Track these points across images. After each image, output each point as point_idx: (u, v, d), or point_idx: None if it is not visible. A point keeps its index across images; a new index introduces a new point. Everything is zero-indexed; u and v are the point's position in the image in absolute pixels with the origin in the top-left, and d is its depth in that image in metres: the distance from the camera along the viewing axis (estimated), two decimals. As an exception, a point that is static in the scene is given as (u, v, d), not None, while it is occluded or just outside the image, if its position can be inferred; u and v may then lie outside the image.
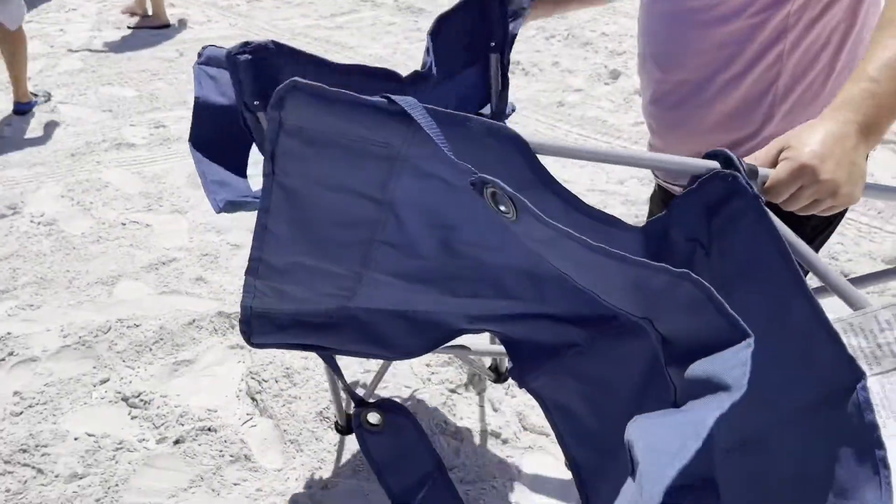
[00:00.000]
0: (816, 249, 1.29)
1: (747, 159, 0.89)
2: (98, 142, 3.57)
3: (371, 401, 1.40)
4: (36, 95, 3.96)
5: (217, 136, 1.48)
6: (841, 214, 1.25)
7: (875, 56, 0.89)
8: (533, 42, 4.97)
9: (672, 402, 0.84)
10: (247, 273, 1.03)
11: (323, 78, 1.01)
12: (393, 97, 0.85)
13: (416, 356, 1.22)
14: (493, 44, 1.43)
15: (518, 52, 4.74)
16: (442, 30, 1.35)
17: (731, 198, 0.81)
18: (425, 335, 1.15)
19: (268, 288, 1.06)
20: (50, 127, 3.73)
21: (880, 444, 0.56)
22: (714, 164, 0.85)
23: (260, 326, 1.12)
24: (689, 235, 0.86)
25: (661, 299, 0.73)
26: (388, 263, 1.02)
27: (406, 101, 0.83)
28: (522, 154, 0.88)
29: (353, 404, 1.38)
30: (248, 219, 2.94)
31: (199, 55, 1.49)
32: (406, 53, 4.67)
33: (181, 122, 3.80)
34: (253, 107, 1.25)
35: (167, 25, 5.13)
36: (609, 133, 3.71)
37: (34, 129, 3.71)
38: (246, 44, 1.22)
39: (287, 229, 0.98)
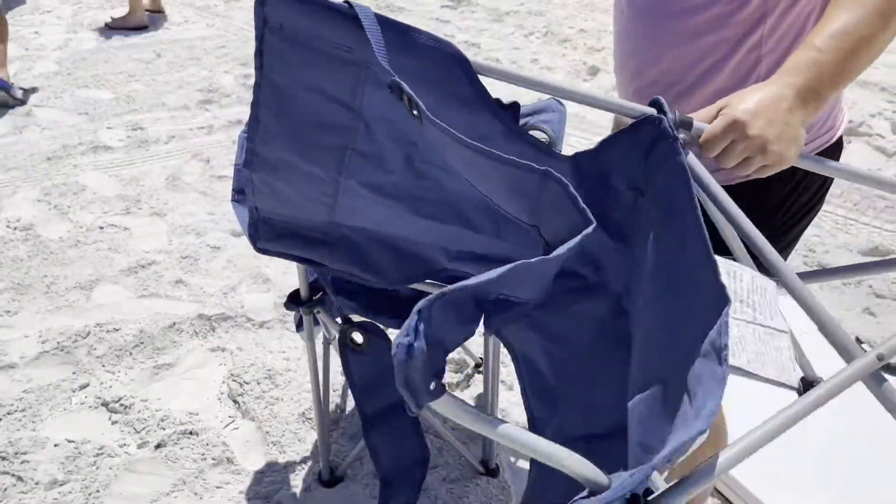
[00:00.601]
0: (792, 242, 1.31)
1: (693, 115, 0.94)
2: (74, 145, 3.53)
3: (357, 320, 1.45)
4: (11, 85, 3.92)
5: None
6: (815, 206, 1.26)
7: (823, 27, 0.93)
8: (511, 39, 4.98)
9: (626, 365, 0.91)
10: (243, 165, 1.11)
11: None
12: (353, 2, 0.91)
13: (403, 285, 1.28)
14: None
15: (496, 50, 4.75)
16: None
17: (657, 141, 0.86)
18: (409, 266, 1.20)
19: (263, 184, 1.13)
20: (25, 130, 3.69)
21: (725, 362, 0.65)
22: (651, 111, 0.90)
23: (265, 232, 1.19)
24: (631, 184, 0.90)
25: (538, 201, 0.78)
26: (361, 173, 1.08)
27: (360, 8, 0.88)
28: (464, 71, 0.94)
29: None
30: (228, 222, 2.93)
31: (246, 124, 1.62)
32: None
33: (158, 123, 3.77)
34: None
35: (145, 27, 5.08)
36: (589, 129, 3.73)
37: (9, 132, 3.66)
38: None
39: (275, 124, 1.05)
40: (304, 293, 1.57)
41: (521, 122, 1.64)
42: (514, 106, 1.50)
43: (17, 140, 3.60)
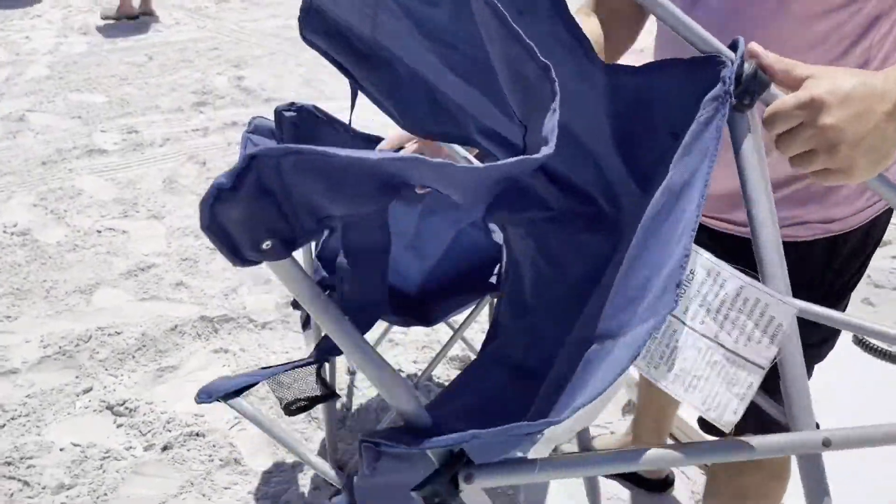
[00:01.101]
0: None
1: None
2: (69, 149, 3.52)
3: None
4: None
5: None
6: (854, 284, 1.16)
7: None
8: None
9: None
10: None
11: (349, 141, 1.32)
12: None
13: (438, 140, 1.20)
14: None
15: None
16: None
17: (712, 90, 0.72)
18: (445, 123, 1.10)
19: None
20: (19, 135, 3.67)
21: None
22: (727, 52, 0.72)
23: (314, 21, 1.09)
24: (672, 128, 0.76)
25: (532, 97, 0.69)
26: None
27: None
28: None
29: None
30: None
31: (249, 124, 1.67)
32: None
33: (152, 126, 3.76)
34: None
35: (135, 17, 5.12)
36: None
37: (2, 137, 3.64)
38: (292, 104, 1.46)
39: None
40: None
41: None
42: None
43: (10, 145, 3.58)
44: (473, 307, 1.70)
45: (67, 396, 2.12)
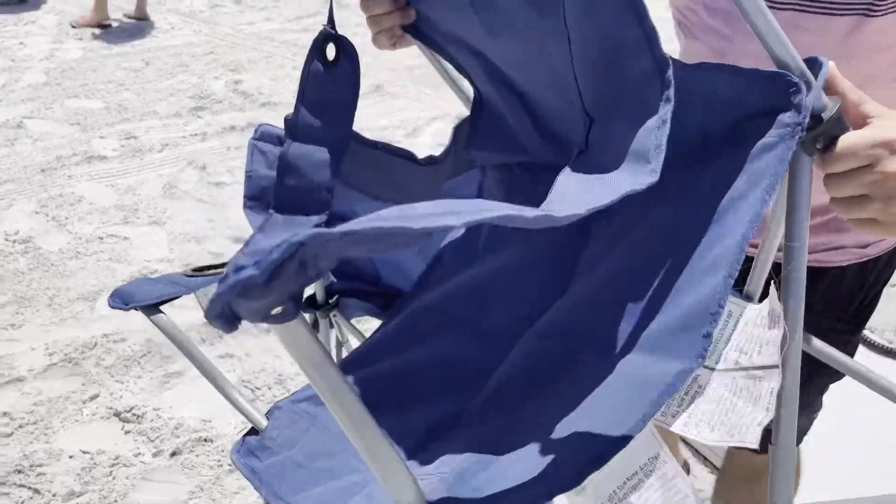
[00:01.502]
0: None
1: None
2: (68, 156, 3.52)
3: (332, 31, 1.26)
4: None
5: (265, 202, 1.65)
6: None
7: None
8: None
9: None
10: None
11: (356, 147, 1.28)
12: None
13: None
14: None
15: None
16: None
17: (773, 113, 0.63)
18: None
19: None
20: (17, 143, 3.67)
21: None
22: (802, 68, 0.63)
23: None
24: (704, 130, 0.69)
25: (622, 89, 0.64)
26: None
27: None
28: None
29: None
30: (228, 228, 2.94)
31: (255, 131, 1.67)
32: (375, 54, 4.66)
33: (151, 131, 3.77)
34: None
35: (108, 25, 5.14)
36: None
37: (2, 144, 3.65)
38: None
39: None
40: (320, 297, 1.59)
41: None
42: None
43: (9, 152, 3.59)
44: None
45: (74, 404, 2.13)
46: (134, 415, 2.08)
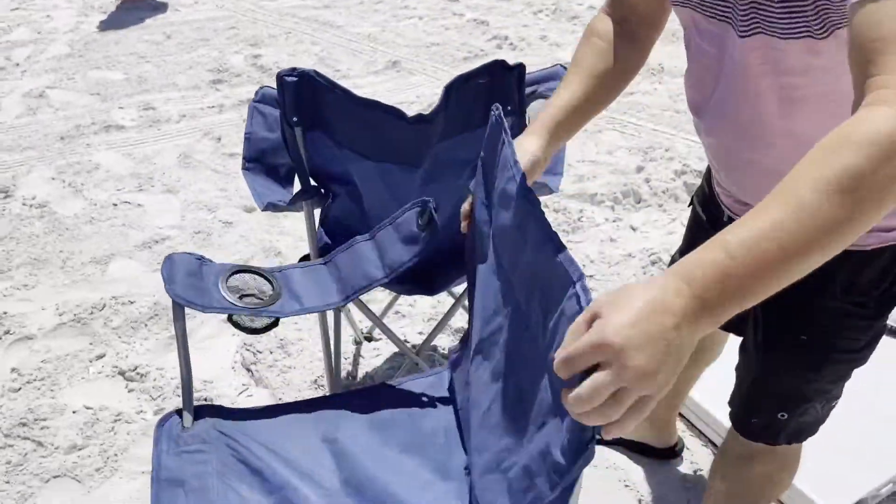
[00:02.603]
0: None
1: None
2: (87, 125, 3.57)
3: None
4: None
5: (263, 163, 1.69)
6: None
7: (744, 225, 0.67)
8: (520, 17, 4.97)
9: None
10: None
11: (348, 106, 1.40)
12: None
13: None
14: (509, 108, 1.49)
15: (505, 28, 4.74)
16: (459, 87, 1.47)
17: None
18: None
19: None
20: (39, 111, 3.73)
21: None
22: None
23: None
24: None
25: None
26: None
27: None
28: None
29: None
30: (240, 198, 2.96)
31: (256, 94, 1.71)
32: (395, 31, 4.66)
33: (169, 103, 3.81)
34: (292, 122, 1.52)
35: None
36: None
37: (23, 113, 3.71)
38: (294, 69, 1.47)
39: None
40: (314, 257, 1.60)
41: (529, 90, 1.66)
42: (520, 67, 1.51)
43: (30, 121, 3.65)
44: None
45: (81, 362, 2.17)
46: (138, 374, 2.11)
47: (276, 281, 1.45)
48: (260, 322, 1.43)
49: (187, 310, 2.54)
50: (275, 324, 1.45)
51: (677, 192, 2.91)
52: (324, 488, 1.26)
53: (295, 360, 2.16)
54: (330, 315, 1.78)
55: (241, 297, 1.39)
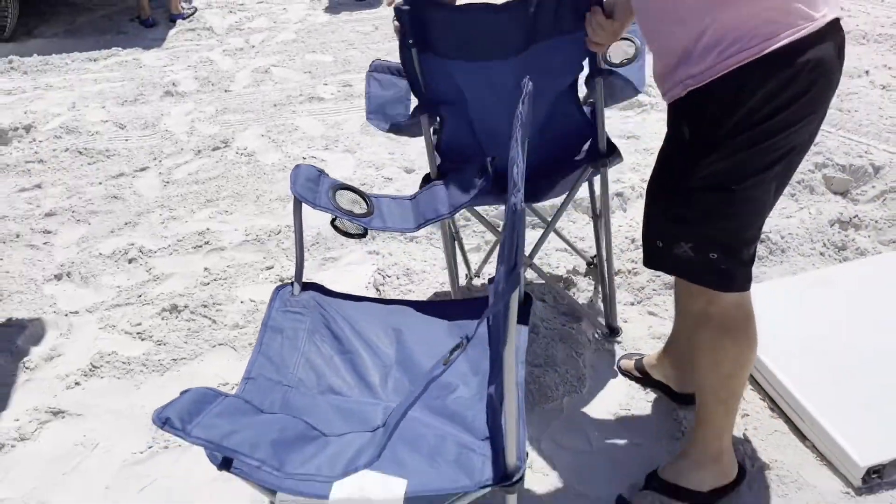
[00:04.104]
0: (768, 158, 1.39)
1: None
2: (296, 96, 4.24)
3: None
4: (184, 9, 5.64)
5: (381, 113, 2.13)
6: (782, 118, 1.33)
7: None
8: None
9: None
10: None
11: (447, 18, 1.75)
12: None
13: None
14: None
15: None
16: None
17: None
18: None
19: None
20: (262, 84, 4.48)
21: None
22: None
23: None
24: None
25: None
26: None
27: None
28: None
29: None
30: (404, 161, 3.41)
31: (370, 66, 2.17)
32: None
33: (364, 83, 4.38)
34: (408, 44, 1.84)
35: None
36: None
37: (250, 84, 4.47)
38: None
39: None
40: (433, 176, 1.98)
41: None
42: None
43: (255, 91, 4.39)
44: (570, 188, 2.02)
45: (255, 270, 2.72)
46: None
47: (371, 202, 1.83)
48: (353, 229, 1.80)
49: (341, 241, 3.04)
50: (364, 234, 1.82)
51: (814, 184, 2.92)
52: (380, 359, 1.61)
53: (416, 286, 2.55)
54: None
55: (342, 208, 1.79)
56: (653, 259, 1.54)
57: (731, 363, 1.54)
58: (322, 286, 1.81)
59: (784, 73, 1.28)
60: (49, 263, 2.86)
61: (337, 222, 1.81)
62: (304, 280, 1.81)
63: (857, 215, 2.62)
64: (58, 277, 2.76)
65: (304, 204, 1.71)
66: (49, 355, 2.35)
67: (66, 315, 2.55)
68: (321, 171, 1.80)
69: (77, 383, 2.23)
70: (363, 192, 1.85)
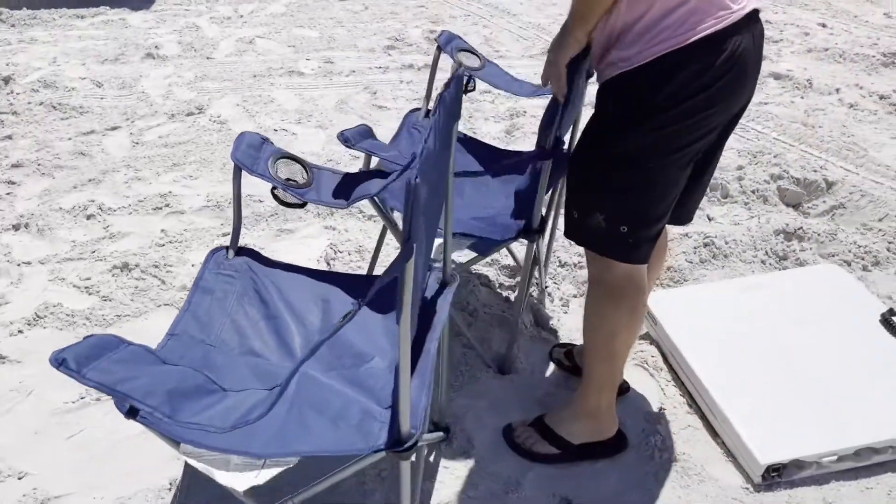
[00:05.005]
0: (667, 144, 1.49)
1: None
2: (277, 68, 4.26)
3: None
4: None
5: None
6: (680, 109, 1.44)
7: None
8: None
9: None
10: None
11: None
12: None
13: None
14: None
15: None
16: None
17: None
18: None
19: None
20: (245, 54, 4.49)
21: None
22: None
23: None
24: None
25: None
26: None
27: None
28: None
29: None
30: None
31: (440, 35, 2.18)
32: (562, 23, 4.96)
33: (346, 60, 4.41)
34: None
35: None
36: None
37: (232, 53, 4.49)
38: None
39: None
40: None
41: None
42: None
43: (237, 60, 4.41)
44: None
45: (211, 235, 2.76)
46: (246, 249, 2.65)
47: (312, 174, 1.86)
48: (291, 199, 1.83)
49: (300, 215, 3.05)
50: (303, 205, 1.84)
51: (768, 195, 2.97)
52: (305, 327, 1.66)
53: (366, 264, 2.59)
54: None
55: (283, 178, 1.82)
56: (569, 229, 1.66)
57: (612, 325, 1.67)
58: (257, 252, 1.85)
59: (705, 60, 1.39)
60: (9, 213, 2.89)
61: (277, 191, 1.84)
62: (242, 246, 1.84)
63: (801, 227, 2.68)
64: (15, 227, 2.79)
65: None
66: (-4, 302, 2.39)
67: (19, 265, 2.58)
68: (265, 139, 1.83)
69: (20, 331, 2.27)
70: (307, 162, 1.89)
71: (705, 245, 2.62)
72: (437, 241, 1.75)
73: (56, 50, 4.51)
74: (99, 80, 4.08)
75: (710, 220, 2.85)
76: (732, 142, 3.43)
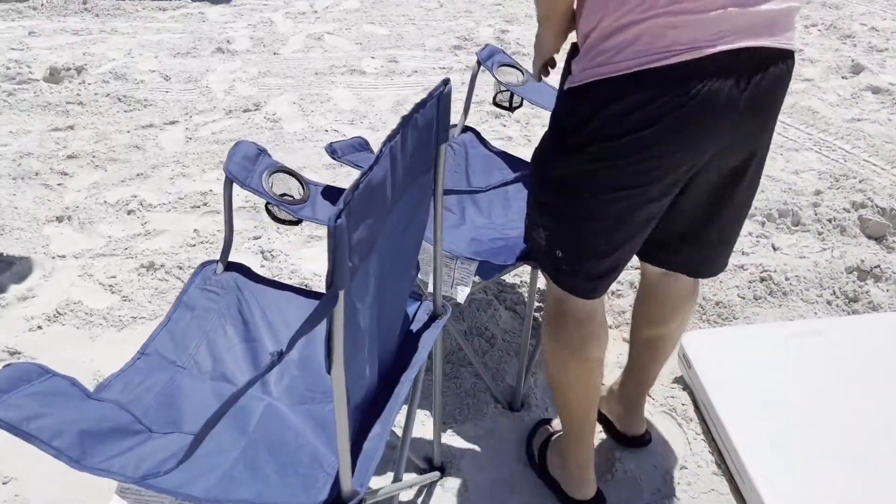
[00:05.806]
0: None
1: None
2: (339, 66, 4.20)
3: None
4: None
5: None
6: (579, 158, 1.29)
7: None
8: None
9: None
10: None
11: None
12: None
13: None
14: None
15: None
16: None
17: None
18: None
19: None
20: (311, 51, 4.46)
21: None
22: None
23: None
24: None
25: None
26: None
27: None
28: None
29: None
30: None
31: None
32: None
33: (412, 59, 4.30)
34: None
35: None
36: (816, 125, 3.44)
37: (299, 49, 4.47)
38: None
39: None
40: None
41: None
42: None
43: (302, 57, 4.38)
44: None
45: (242, 238, 2.71)
46: (273, 255, 2.58)
47: (309, 189, 1.75)
48: (284, 215, 1.74)
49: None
50: (297, 222, 1.75)
51: (846, 225, 2.66)
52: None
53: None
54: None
55: (278, 193, 1.72)
56: (524, 235, 1.54)
57: (546, 352, 1.55)
58: (247, 268, 1.76)
59: (637, 100, 1.17)
60: (56, 205, 2.93)
61: (270, 207, 1.75)
62: (232, 261, 1.76)
63: (880, 265, 2.37)
64: (59, 220, 2.83)
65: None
66: (24, 295, 2.41)
67: (53, 258, 2.60)
68: (262, 151, 1.74)
69: (39, 327, 2.27)
70: (304, 178, 1.78)
71: (762, 280, 2.35)
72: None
73: (133, 42, 4.61)
74: (168, 73, 4.14)
75: (774, 249, 2.57)
76: (813, 162, 3.11)
